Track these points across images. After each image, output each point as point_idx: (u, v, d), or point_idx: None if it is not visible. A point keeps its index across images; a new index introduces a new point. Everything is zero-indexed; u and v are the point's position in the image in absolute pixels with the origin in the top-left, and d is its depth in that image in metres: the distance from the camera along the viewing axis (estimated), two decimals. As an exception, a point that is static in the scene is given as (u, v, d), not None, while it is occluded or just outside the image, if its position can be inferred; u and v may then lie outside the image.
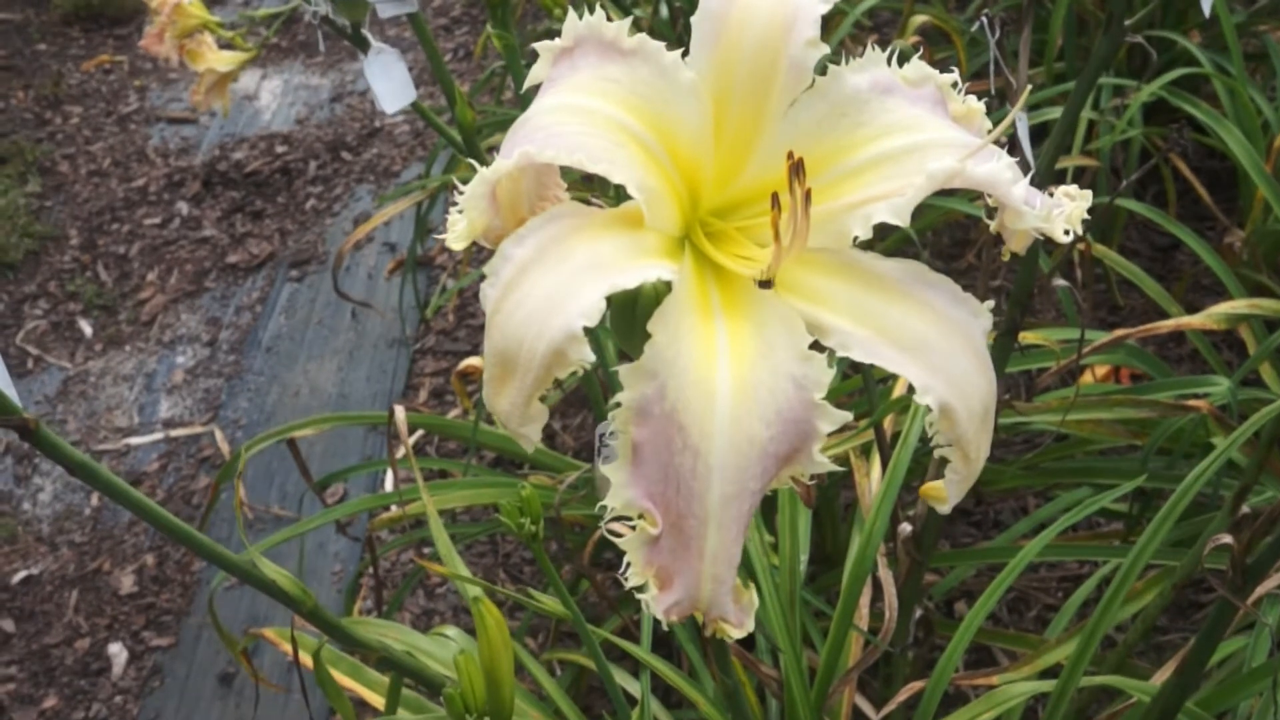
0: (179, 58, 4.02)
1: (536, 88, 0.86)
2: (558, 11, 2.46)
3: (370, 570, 3.17)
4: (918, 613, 2.10)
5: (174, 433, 3.66)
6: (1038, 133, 3.71)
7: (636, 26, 2.87)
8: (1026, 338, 2.16)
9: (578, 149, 0.74)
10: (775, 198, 0.74)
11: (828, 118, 0.83)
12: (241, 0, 6.21)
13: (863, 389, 2.20)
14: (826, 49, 0.81)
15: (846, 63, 0.87)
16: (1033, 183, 1.78)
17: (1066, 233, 0.79)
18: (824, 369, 0.74)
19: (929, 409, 0.76)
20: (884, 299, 0.79)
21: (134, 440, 3.62)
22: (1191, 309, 3.23)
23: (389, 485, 3.27)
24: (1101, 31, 1.72)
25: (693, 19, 0.82)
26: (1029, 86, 3.48)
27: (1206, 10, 1.68)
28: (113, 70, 5.55)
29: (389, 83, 1.91)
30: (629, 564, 0.76)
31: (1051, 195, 0.82)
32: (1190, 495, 1.71)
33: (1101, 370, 2.71)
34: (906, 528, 1.96)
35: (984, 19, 1.71)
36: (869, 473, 2.12)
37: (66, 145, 5.02)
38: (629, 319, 0.85)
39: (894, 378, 2.32)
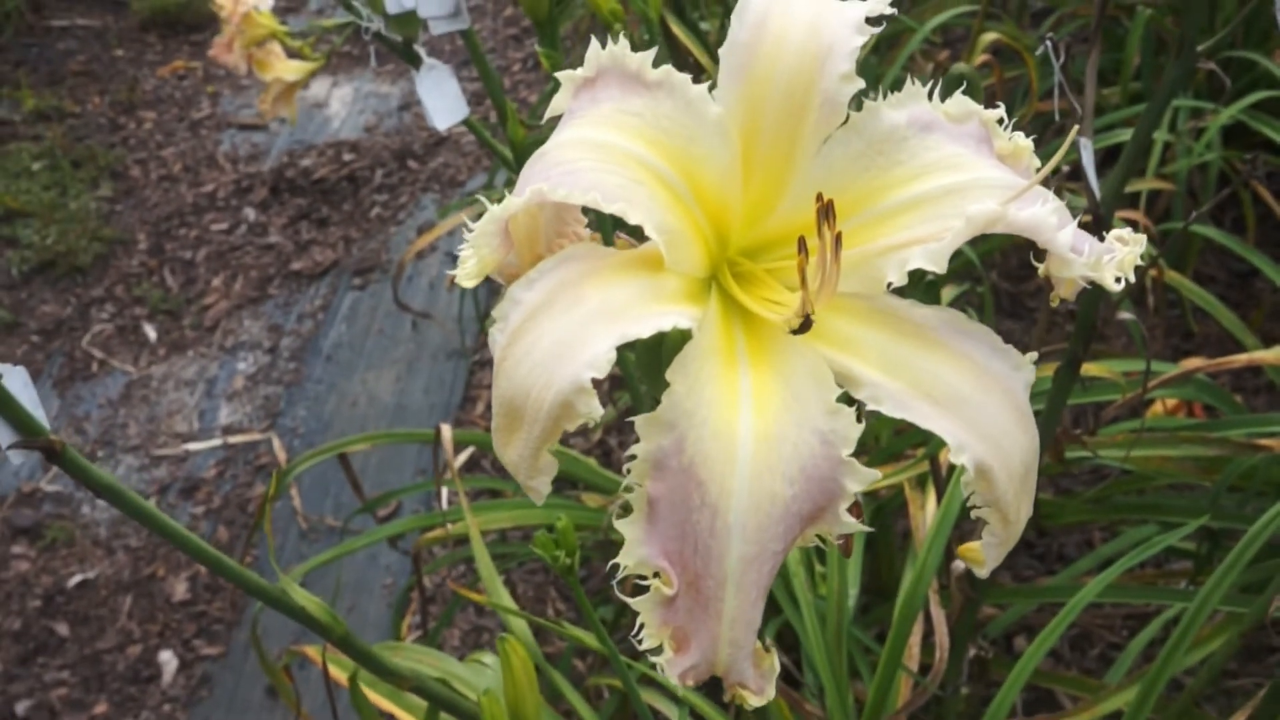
0: (247, 66, 4.07)
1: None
2: (617, 26, 2.43)
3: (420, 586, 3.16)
4: (971, 651, 2.03)
5: (232, 439, 3.68)
6: (1113, 154, 3.61)
7: (703, 42, 2.82)
8: (1090, 370, 2.09)
9: (592, 187, 0.70)
10: (802, 242, 0.70)
11: (863, 155, 0.79)
12: (315, 9, 6.28)
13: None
14: (861, 83, 0.76)
15: (912, 83, 0.82)
16: (1098, 210, 1.71)
17: (1118, 280, 0.74)
18: (852, 424, 0.70)
19: (964, 468, 0.71)
20: (918, 349, 0.74)
21: (193, 446, 3.65)
22: (1269, 338, 3.12)
23: (444, 499, 3.27)
24: (1173, 55, 1.65)
25: (720, 51, 0.78)
26: (1094, 109, 3.38)
27: (1284, 29, 1.60)
28: (187, 76, 5.64)
29: (441, 99, 1.89)
30: (643, 624, 0.72)
31: (1103, 239, 0.77)
32: (1260, 541, 1.63)
33: (1172, 401, 2.61)
34: (960, 564, 1.89)
35: (1048, 42, 1.65)
36: (924, 505, 2.06)
37: (139, 150, 5.10)
38: (654, 360, 0.81)
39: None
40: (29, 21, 5.87)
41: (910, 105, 0.80)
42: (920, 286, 2.57)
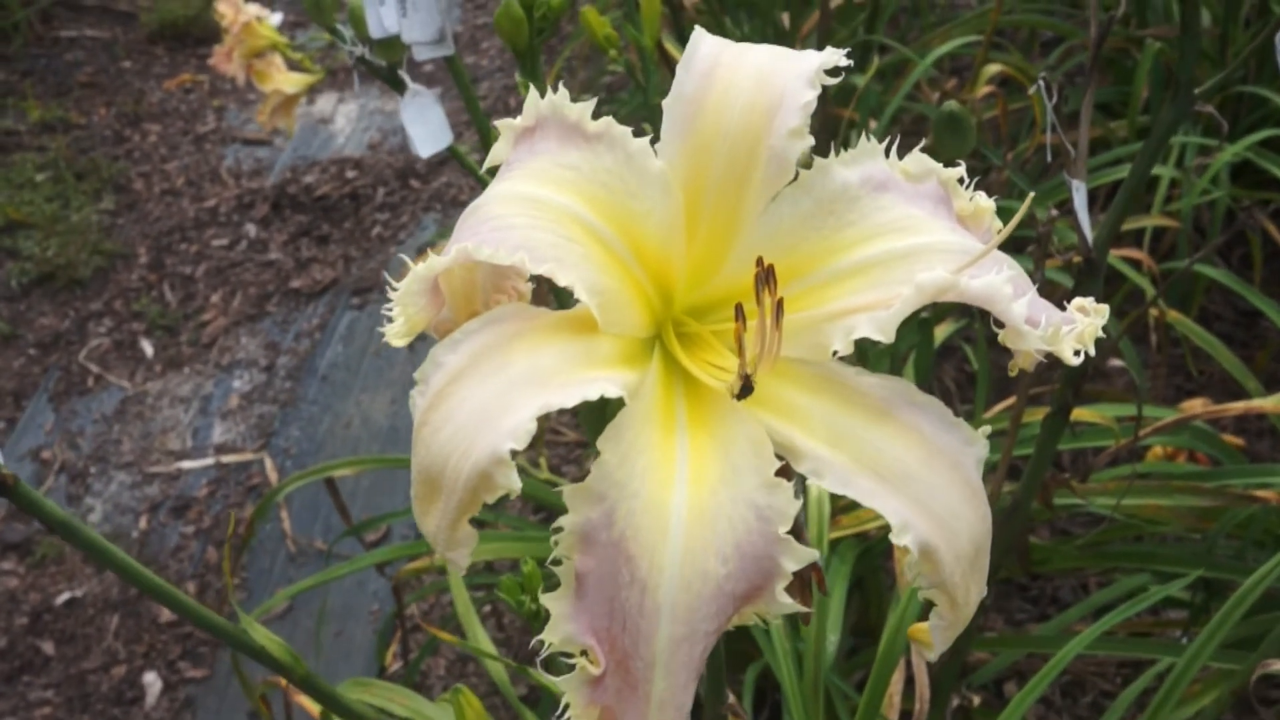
0: (246, 77, 4.06)
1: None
2: (612, 52, 2.41)
3: (406, 614, 3.12)
4: (955, 701, 1.99)
5: (225, 459, 3.66)
6: (1112, 191, 3.57)
7: None
8: (1084, 415, 2.04)
9: (521, 246, 0.67)
10: (739, 309, 0.66)
11: (813, 215, 0.75)
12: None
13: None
14: (811, 140, 0.73)
15: (867, 139, 0.78)
16: (1090, 253, 1.67)
17: (1077, 353, 0.70)
18: (789, 499, 0.66)
19: (908, 550, 0.68)
20: (865, 421, 0.70)
21: (186, 464, 3.62)
22: (1274, 379, 3.08)
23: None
24: (1170, 96, 1.62)
25: (664, 103, 0.75)
26: (1103, 142, 3.35)
27: (1283, 69, 1.57)
28: (193, 89, 5.64)
29: (425, 126, 1.86)
30: (567, 705, 0.68)
31: (1065, 308, 0.73)
32: (1252, 598, 1.59)
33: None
34: (945, 611, 1.85)
35: (1041, 82, 1.61)
36: (911, 547, 2.02)
37: (143, 163, 5.09)
38: (600, 419, 0.78)
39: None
40: (37, 32, 5.89)
41: (864, 163, 0.76)
42: (913, 324, 2.54)
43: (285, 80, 4.25)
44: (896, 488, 0.68)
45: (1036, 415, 1.93)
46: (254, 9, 4.03)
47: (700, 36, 0.78)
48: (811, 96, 0.74)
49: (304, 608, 3.19)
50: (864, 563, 2.34)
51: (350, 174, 5.08)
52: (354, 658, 3.07)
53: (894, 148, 0.77)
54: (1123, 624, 2.28)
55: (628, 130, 0.74)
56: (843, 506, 2.21)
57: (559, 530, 0.66)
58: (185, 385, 3.92)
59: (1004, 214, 2.48)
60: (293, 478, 2.51)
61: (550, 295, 1.37)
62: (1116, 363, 3.17)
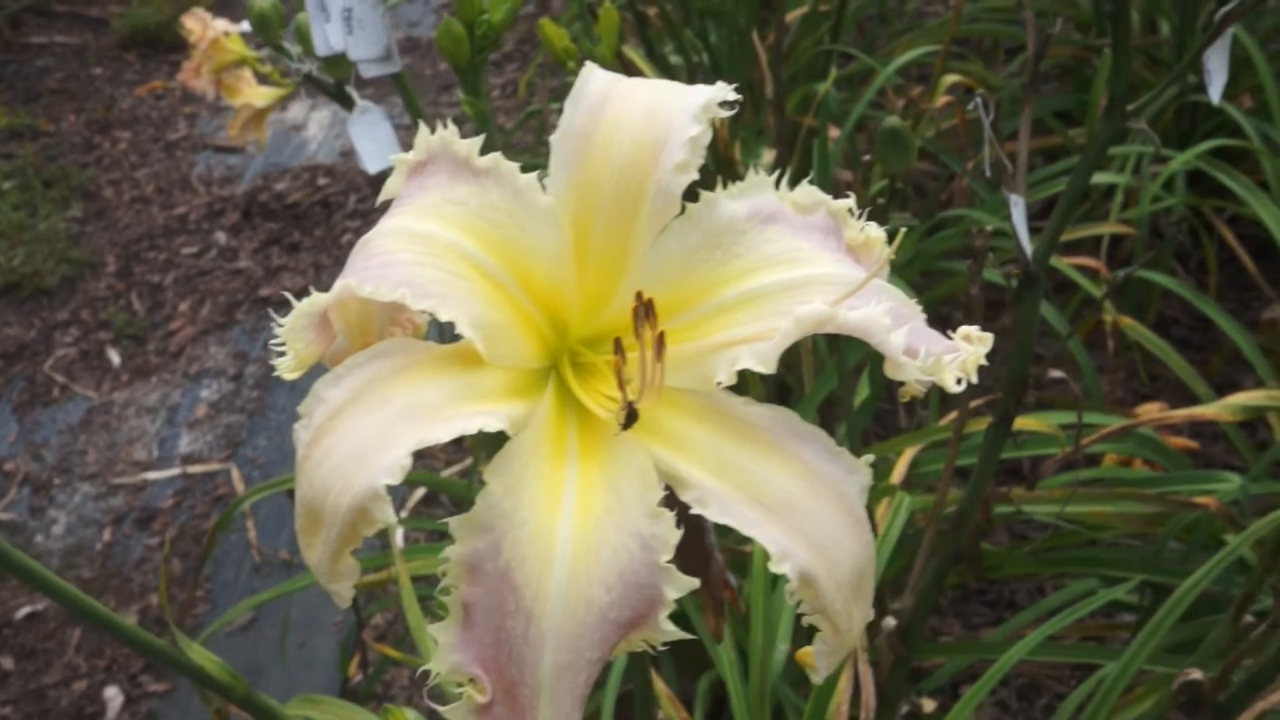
0: (216, 92, 4.05)
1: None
2: (571, 65, 2.42)
3: (372, 624, 3.13)
4: (905, 708, 2.00)
5: (191, 469, 3.65)
6: (1082, 198, 3.60)
7: (687, 69, 2.79)
8: (1028, 424, 2.07)
9: (403, 283, 0.68)
10: (618, 343, 0.68)
11: (700, 248, 0.77)
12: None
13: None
14: (695, 175, 0.75)
15: (755, 173, 0.80)
16: (1029, 267, 1.69)
17: (959, 382, 0.72)
18: (672, 528, 0.68)
19: (788, 578, 0.69)
20: (750, 451, 0.72)
21: (151, 475, 3.62)
22: (1228, 384, 3.10)
23: (400, 537, 3.23)
24: (1102, 114, 1.64)
25: (552, 139, 0.76)
26: (1060, 150, 3.37)
27: (1215, 98, 1.59)
28: (164, 96, 5.62)
29: (373, 142, 1.87)
30: (456, 734, 0.69)
31: (950, 336, 0.75)
32: (1186, 603, 1.61)
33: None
34: (891, 621, 1.87)
35: (979, 100, 1.63)
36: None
37: (112, 170, 5.08)
38: (497, 447, 0.79)
39: (886, 462, 2.23)
40: (7, 38, 5.86)
41: (753, 196, 0.78)
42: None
43: (255, 94, 4.25)
44: (778, 517, 0.70)
45: (981, 425, 1.96)
46: (222, 24, 4.02)
47: (590, 72, 0.80)
48: (697, 130, 0.75)
49: (268, 619, 3.19)
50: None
51: (322, 181, 5.07)
52: (317, 669, 3.07)
53: (784, 180, 0.78)
54: (1075, 628, 2.31)
55: (515, 166, 0.75)
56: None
57: (445, 560, 0.68)
58: (152, 395, 3.92)
59: (965, 222, 2.50)
60: (256, 488, 2.51)
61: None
62: (1072, 364, 3.19)
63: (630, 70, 3.34)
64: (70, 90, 5.62)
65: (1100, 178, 3.24)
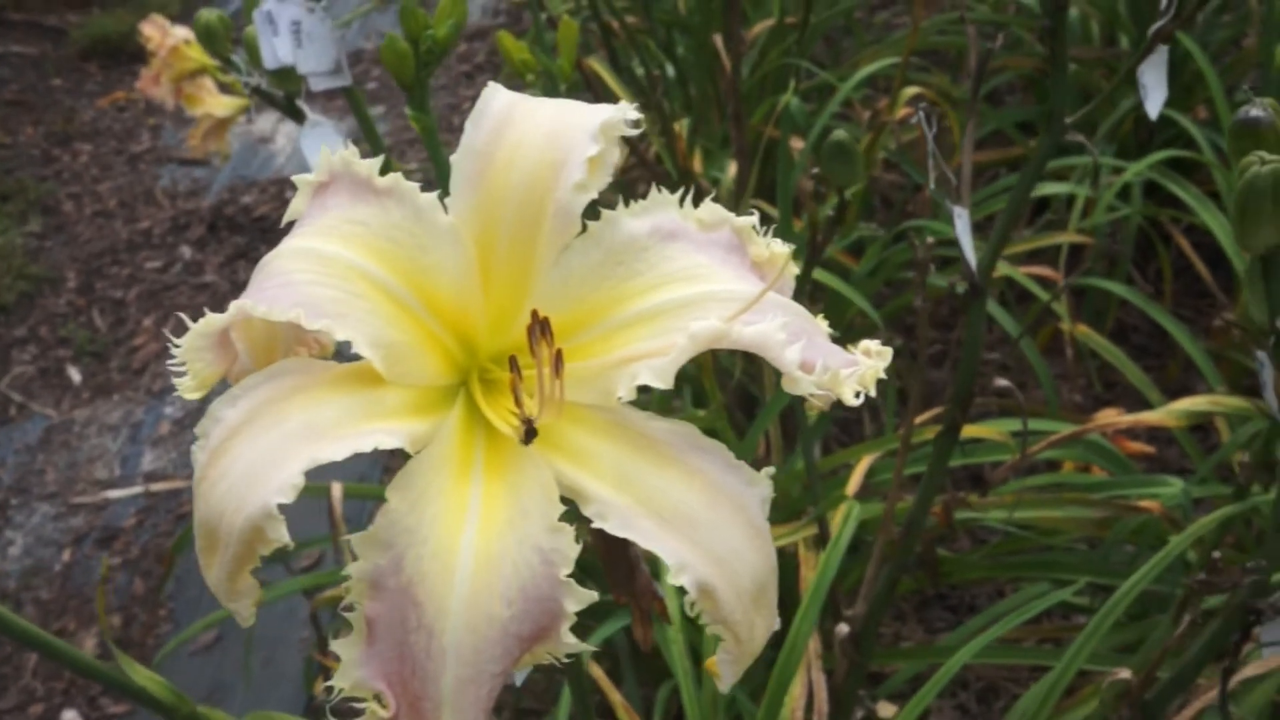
0: (176, 100, 4.02)
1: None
2: (530, 77, 2.43)
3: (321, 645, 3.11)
4: (859, 714, 2.02)
5: (154, 487, 3.63)
6: (1040, 207, 3.64)
7: (648, 82, 2.79)
8: (977, 432, 2.09)
9: (299, 303, 0.69)
10: (513, 361, 0.68)
11: (602, 265, 0.78)
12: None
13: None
14: (594, 194, 0.75)
15: (658, 191, 0.81)
16: (974, 278, 1.71)
17: (857, 395, 0.73)
18: (571, 543, 0.69)
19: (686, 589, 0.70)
20: (651, 464, 0.73)
21: (113, 493, 3.60)
22: (1183, 390, 3.14)
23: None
24: (1043, 127, 1.66)
25: (453, 158, 0.77)
26: (1017, 161, 3.39)
27: (1153, 113, 1.62)
28: (127, 108, 5.58)
29: (323, 157, 1.87)
30: (360, 749, 0.70)
31: (851, 351, 0.76)
32: (1124, 605, 1.64)
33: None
34: (844, 628, 1.88)
35: (921, 112, 1.65)
36: (815, 565, 2.05)
37: (73, 184, 5.05)
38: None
39: (847, 469, 2.25)
40: (-37, 50, 5.83)
41: (655, 213, 0.79)
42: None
43: (216, 103, 4.24)
44: (677, 529, 0.71)
45: (931, 434, 1.98)
46: (181, 31, 4.01)
47: (493, 92, 0.81)
48: (595, 150, 0.76)
49: (233, 637, 3.17)
50: (779, 579, 2.37)
51: (290, 194, 5.04)
52: (283, 687, 3.06)
53: (689, 197, 0.79)
54: (1033, 630, 2.33)
55: (415, 186, 0.76)
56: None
57: (347, 578, 0.68)
58: (114, 412, 3.90)
59: (930, 233, 2.51)
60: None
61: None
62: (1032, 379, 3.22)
63: (594, 82, 3.35)
64: (28, 102, 5.57)
65: (1059, 188, 3.28)
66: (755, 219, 0.79)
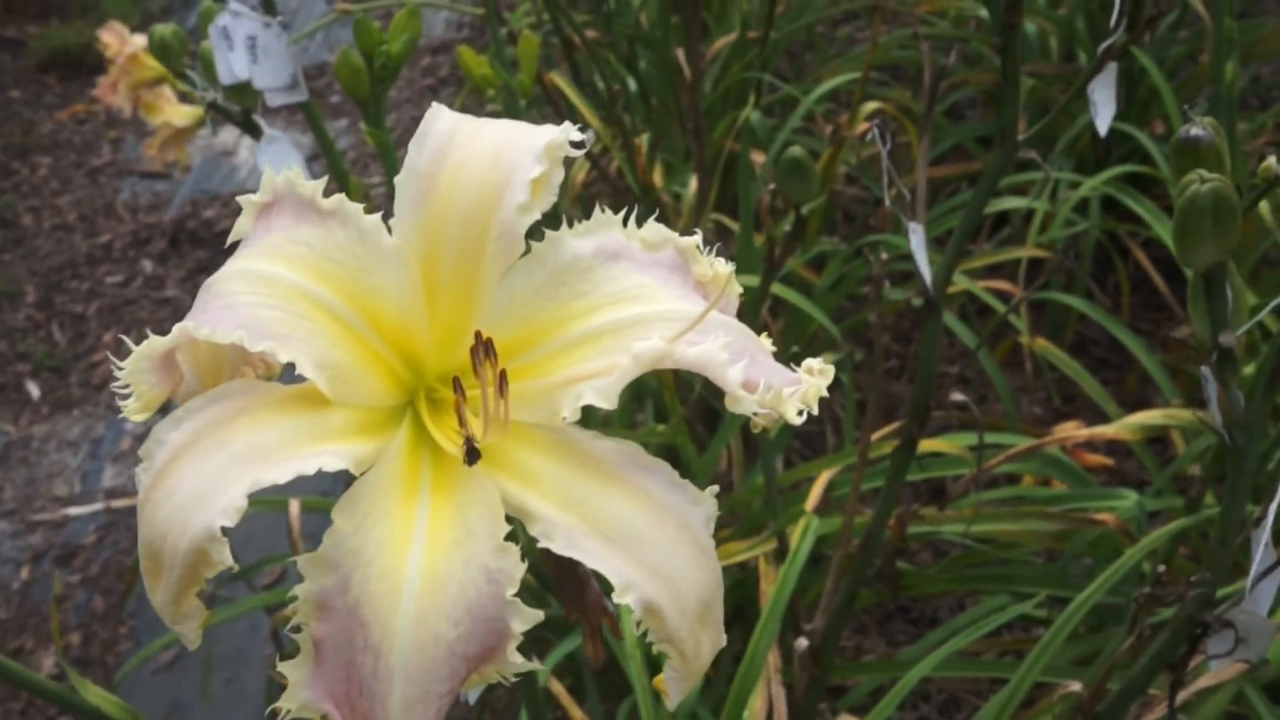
0: (134, 109, 3.98)
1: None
2: (490, 92, 2.43)
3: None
4: (819, 727, 2.02)
5: (115, 503, 3.59)
6: (1000, 222, 3.68)
7: (607, 96, 2.81)
8: (934, 446, 2.10)
9: (242, 325, 0.69)
10: (456, 382, 0.69)
11: (546, 286, 0.78)
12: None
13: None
14: (538, 215, 0.76)
15: (602, 211, 0.81)
16: (929, 294, 1.73)
17: (800, 413, 0.74)
18: (517, 562, 0.69)
19: (631, 608, 0.70)
20: (596, 484, 0.73)
21: (73, 510, 3.56)
22: (1141, 402, 3.17)
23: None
24: (997, 144, 1.68)
25: (397, 180, 0.78)
26: (974, 174, 3.42)
27: (1102, 130, 1.64)
28: (88, 120, 5.54)
29: (281, 170, 1.87)
30: (307, 768, 0.70)
31: (795, 369, 0.77)
32: (1077, 618, 1.65)
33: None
34: (803, 642, 1.89)
35: (875, 129, 1.67)
36: (775, 579, 2.05)
37: (32, 197, 5.00)
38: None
39: (809, 482, 2.26)
40: (-82, 62, 5.77)
41: (599, 234, 0.80)
42: (785, 359, 2.59)
43: (175, 113, 4.20)
44: (622, 548, 0.71)
45: (888, 449, 1.99)
46: (140, 40, 3.97)
47: (436, 113, 0.81)
48: (539, 171, 0.77)
49: (195, 654, 3.15)
50: (740, 594, 2.37)
51: (252, 209, 5.03)
52: (246, 705, 3.03)
53: (632, 217, 0.80)
54: (993, 643, 2.35)
55: (360, 207, 0.77)
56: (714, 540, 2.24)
57: (294, 599, 0.68)
58: (74, 428, 3.86)
59: (886, 248, 2.53)
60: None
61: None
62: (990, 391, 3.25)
63: (556, 97, 3.35)
64: (-16, 114, 5.52)
65: (1018, 203, 3.32)
66: (699, 238, 0.80)
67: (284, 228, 0.76)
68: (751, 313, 2.18)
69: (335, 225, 0.76)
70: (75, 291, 4.48)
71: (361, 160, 5.11)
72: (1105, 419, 2.82)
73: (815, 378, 0.76)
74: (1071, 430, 2.30)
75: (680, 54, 3.43)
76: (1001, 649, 2.37)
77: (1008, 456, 2.06)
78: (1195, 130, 1.09)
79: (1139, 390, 3.23)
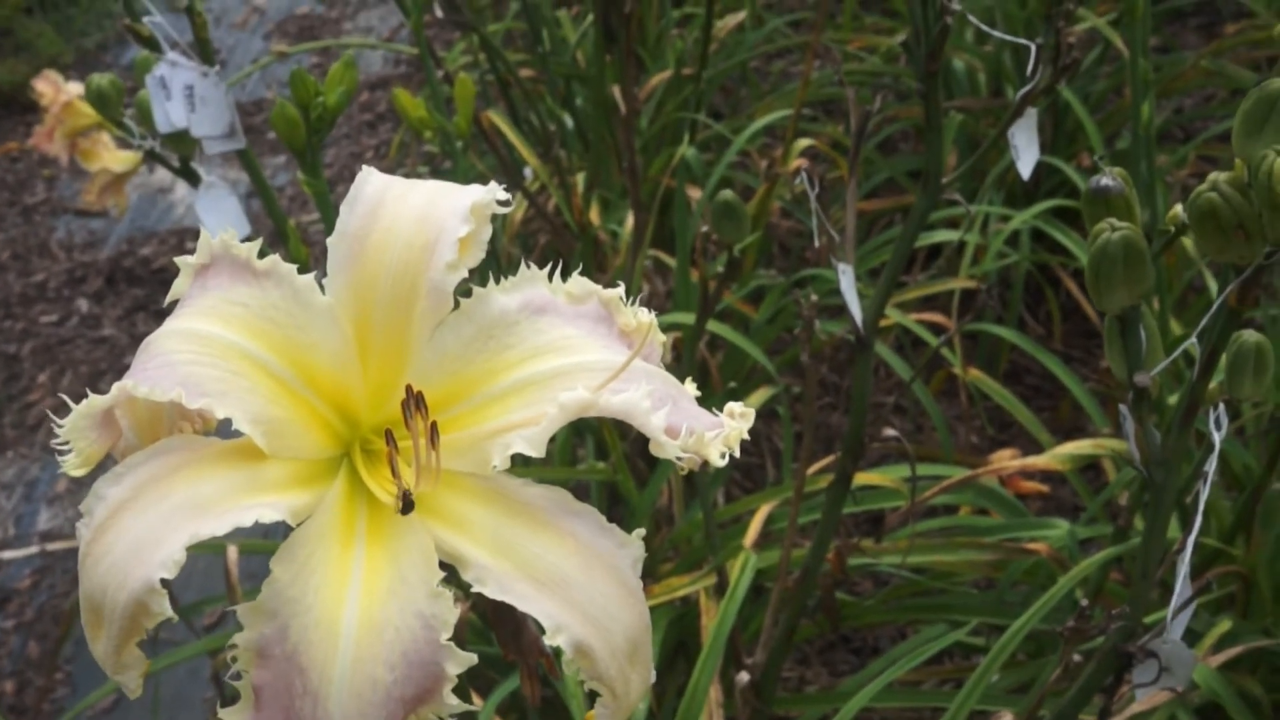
0: (70, 156, 3.96)
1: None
2: (428, 134, 2.46)
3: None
4: (761, 760, 2.05)
5: (51, 546, 3.55)
6: (933, 253, 3.75)
7: (543, 134, 2.84)
8: (869, 479, 2.15)
9: (180, 382, 0.72)
10: (389, 435, 0.72)
11: (475, 340, 0.81)
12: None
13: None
14: (465, 274, 0.79)
15: (527, 267, 0.84)
16: (860, 332, 1.77)
17: (723, 455, 0.77)
18: (450, 607, 0.72)
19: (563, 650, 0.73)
20: (526, 529, 0.76)
21: (6, 554, 3.51)
22: (1076, 430, 3.25)
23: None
24: (921, 186, 1.73)
25: (329, 241, 0.81)
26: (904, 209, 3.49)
27: (1025, 173, 1.70)
28: (20, 158, 5.48)
29: (220, 216, 1.88)
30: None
31: (717, 414, 0.80)
32: (1012, 647, 1.70)
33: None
34: (744, 676, 1.92)
35: (803, 174, 1.72)
36: (716, 614, 2.08)
37: (-36, 237, 4.94)
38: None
39: (748, 516, 2.29)
40: None
41: (525, 289, 0.83)
42: (724, 394, 2.62)
43: (113, 159, 4.17)
44: (552, 591, 0.74)
45: (823, 483, 2.03)
46: (75, 87, 3.95)
47: (367, 176, 0.84)
48: (465, 230, 0.80)
49: (134, 700, 3.11)
50: (682, 627, 2.40)
51: (191, 246, 4.96)
52: (186, 748, 3.01)
53: (557, 272, 0.83)
54: (934, 672, 2.39)
55: (294, 268, 0.79)
56: (656, 576, 2.27)
57: (234, 646, 0.70)
58: (8, 470, 3.81)
59: (823, 282, 2.58)
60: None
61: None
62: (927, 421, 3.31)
63: (493, 135, 3.38)
64: (-85, 153, 5.45)
65: (950, 235, 3.39)
66: (622, 290, 0.83)
67: (220, 288, 0.79)
68: (689, 349, 2.22)
69: (270, 285, 0.79)
70: (9, 331, 4.43)
71: (300, 197, 5.10)
72: (1038, 447, 2.89)
73: (736, 420, 0.79)
74: (1005, 461, 2.36)
75: (616, 91, 3.49)
76: (942, 677, 2.41)
77: (941, 489, 2.11)
78: (1105, 180, 1.14)
79: (1073, 417, 3.30)
